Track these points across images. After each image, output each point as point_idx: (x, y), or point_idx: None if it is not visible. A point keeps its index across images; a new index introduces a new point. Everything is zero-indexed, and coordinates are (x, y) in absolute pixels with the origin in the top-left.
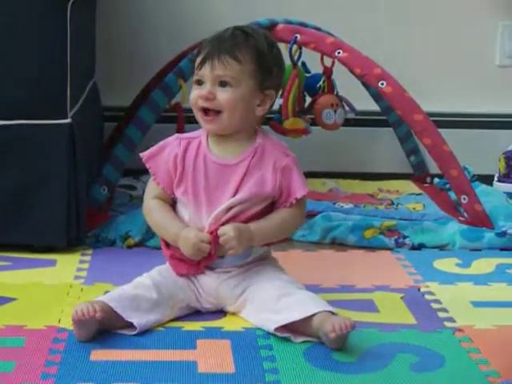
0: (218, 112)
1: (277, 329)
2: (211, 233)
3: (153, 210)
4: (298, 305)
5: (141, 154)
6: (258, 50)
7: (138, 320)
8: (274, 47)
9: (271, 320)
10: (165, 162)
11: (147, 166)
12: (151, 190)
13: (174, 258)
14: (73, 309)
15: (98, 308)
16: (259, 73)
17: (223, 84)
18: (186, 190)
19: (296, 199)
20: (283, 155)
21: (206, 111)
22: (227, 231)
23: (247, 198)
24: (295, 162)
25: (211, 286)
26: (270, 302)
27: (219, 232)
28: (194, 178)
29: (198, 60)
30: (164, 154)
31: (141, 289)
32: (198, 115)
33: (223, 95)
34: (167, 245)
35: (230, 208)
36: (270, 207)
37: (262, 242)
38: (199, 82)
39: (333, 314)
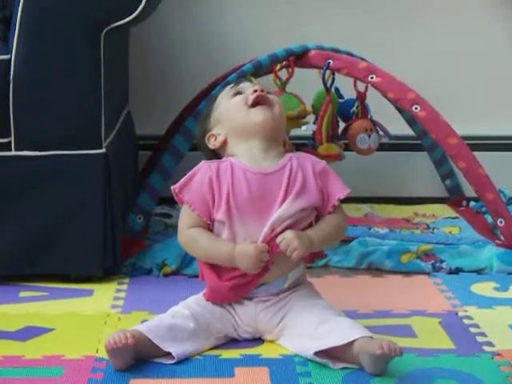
0: (272, 104)
1: (317, 353)
2: (268, 243)
3: (196, 237)
4: (337, 331)
5: (172, 188)
6: None
7: (176, 349)
8: None
9: (310, 346)
10: (198, 188)
11: (180, 196)
12: (187, 220)
13: (221, 287)
14: (105, 339)
15: (129, 335)
16: None
17: (267, 92)
18: (229, 207)
19: (339, 199)
20: (317, 161)
21: (259, 103)
22: (285, 235)
23: (298, 209)
24: (329, 167)
25: (249, 315)
26: (309, 328)
27: (277, 240)
28: (236, 193)
29: (229, 86)
30: (196, 181)
31: (178, 318)
32: (249, 112)
33: (273, 96)
34: (216, 273)
35: (283, 220)
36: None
37: (321, 245)
38: (238, 93)
39: (372, 339)
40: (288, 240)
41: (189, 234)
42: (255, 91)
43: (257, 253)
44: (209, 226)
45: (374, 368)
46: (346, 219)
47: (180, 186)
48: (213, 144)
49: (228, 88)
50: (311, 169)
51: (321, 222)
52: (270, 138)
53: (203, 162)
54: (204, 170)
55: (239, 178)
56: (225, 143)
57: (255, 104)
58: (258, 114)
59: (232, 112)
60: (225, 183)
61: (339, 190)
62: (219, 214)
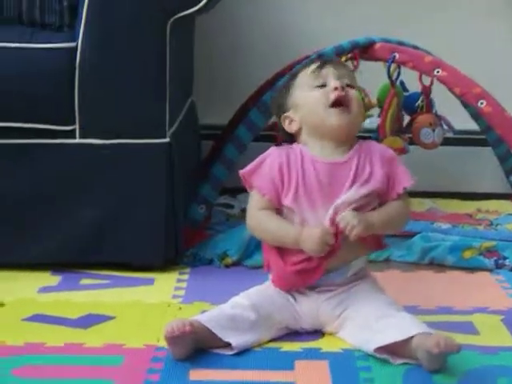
0: (348, 108)
1: (376, 349)
2: (332, 225)
3: (264, 220)
4: (397, 326)
5: (240, 172)
6: None
7: (236, 340)
8: None
9: (371, 340)
10: (268, 173)
11: (250, 181)
12: (256, 203)
13: (287, 273)
14: (164, 327)
15: (188, 323)
16: None
17: (349, 86)
18: (297, 194)
19: (404, 188)
20: (385, 148)
21: (338, 104)
22: (345, 214)
23: (363, 195)
24: (396, 156)
25: (311, 306)
26: (370, 322)
27: (338, 219)
28: (305, 181)
29: (313, 67)
30: (265, 166)
31: (238, 309)
32: (326, 113)
33: (352, 92)
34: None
35: (348, 204)
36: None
37: (382, 227)
38: (323, 86)
39: (431, 335)
40: (347, 218)
41: (258, 217)
42: (336, 89)
43: (322, 234)
44: (277, 211)
45: (432, 364)
46: (410, 208)
47: (249, 170)
48: (288, 127)
49: (311, 68)
50: (379, 156)
51: (384, 206)
52: (342, 140)
53: (273, 147)
54: (274, 155)
55: (309, 166)
56: (299, 130)
57: (334, 105)
58: (335, 119)
59: (311, 106)
60: (294, 170)
61: (405, 179)
62: (287, 200)
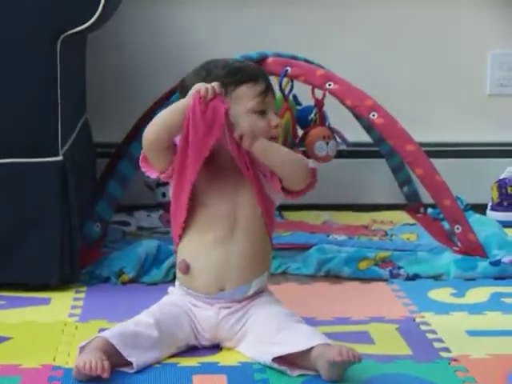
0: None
1: (274, 359)
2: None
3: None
4: (296, 337)
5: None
6: None
7: (137, 359)
8: None
9: (269, 352)
10: None
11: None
12: None
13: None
14: (79, 357)
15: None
16: None
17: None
18: None
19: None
20: None
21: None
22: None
23: None
24: None
25: (211, 321)
26: (269, 334)
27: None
28: None
29: (259, 89)
30: None
31: (142, 326)
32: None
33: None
34: None
35: None
36: None
37: (268, 143)
38: (262, 112)
39: (330, 346)
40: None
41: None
42: (276, 127)
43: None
44: None
45: (332, 374)
46: (308, 172)
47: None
48: None
49: (257, 90)
50: None
51: None
52: None
53: None
54: None
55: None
56: None
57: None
58: None
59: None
60: None
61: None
62: None
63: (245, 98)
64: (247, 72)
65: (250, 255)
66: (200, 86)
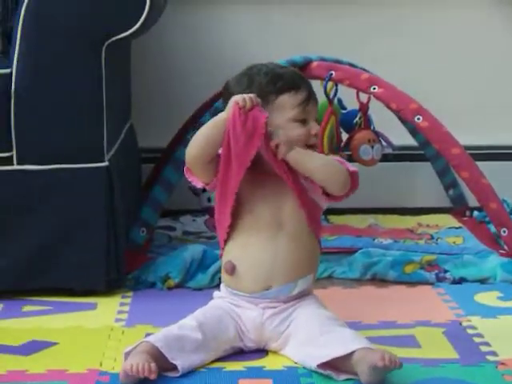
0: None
1: (319, 365)
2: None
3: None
4: (339, 341)
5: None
6: None
7: (182, 362)
8: None
9: (313, 356)
10: None
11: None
12: None
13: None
14: (126, 359)
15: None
16: None
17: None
18: None
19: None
20: None
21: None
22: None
23: None
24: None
25: (255, 321)
26: (313, 338)
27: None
28: None
29: (300, 98)
30: None
31: (186, 329)
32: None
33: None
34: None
35: None
36: None
37: (304, 153)
38: (303, 121)
39: (373, 350)
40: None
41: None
42: (315, 135)
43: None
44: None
45: (372, 378)
46: (347, 178)
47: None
48: None
49: (299, 98)
50: None
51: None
52: None
53: None
54: None
55: None
56: None
57: (309, 147)
58: None
59: (290, 137)
60: None
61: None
62: None
63: (286, 107)
64: (289, 80)
65: (295, 255)
66: (238, 98)
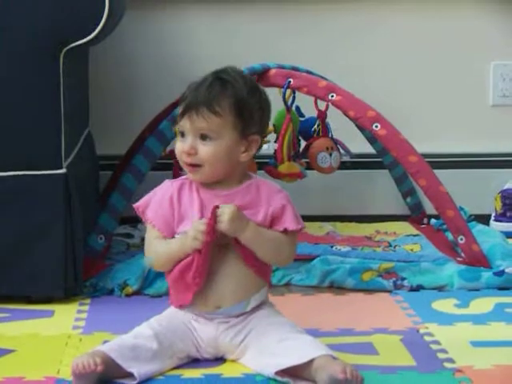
0: (200, 165)
1: (277, 373)
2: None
3: (157, 245)
4: (298, 349)
5: (135, 206)
6: (237, 98)
7: (138, 370)
8: (257, 91)
9: (271, 364)
10: (159, 205)
11: (144, 213)
12: (151, 235)
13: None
14: (72, 361)
15: (99, 361)
16: (240, 122)
17: (204, 137)
18: (189, 222)
19: (286, 230)
20: (276, 192)
21: (188, 165)
22: (224, 205)
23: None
24: (288, 200)
25: (210, 336)
26: (270, 346)
27: (218, 210)
28: (194, 211)
29: (180, 111)
30: (157, 198)
31: (141, 338)
32: (183, 165)
33: (204, 149)
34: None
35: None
36: None
37: (253, 239)
38: (182, 134)
39: (333, 358)
40: (223, 209)
41: (153, 246)
42: (188, 154)
43: (194, 224)
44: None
45: None
46: (294, 250)
47: (142, 204)
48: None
49: (179, 111)
50: (266, 201)
51: (270, 230)
52: (215, 181)
53: (167, 180)
54: (166, 187)
55: (195, 197)
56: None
57: (185, 165)
58: (189, 174)
59: (177, 155)
60: (185, 202)
61: (290, 223)
62: (180, 228)
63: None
64: (188, 90)
65: (245, 274)
66: (197, 243)
